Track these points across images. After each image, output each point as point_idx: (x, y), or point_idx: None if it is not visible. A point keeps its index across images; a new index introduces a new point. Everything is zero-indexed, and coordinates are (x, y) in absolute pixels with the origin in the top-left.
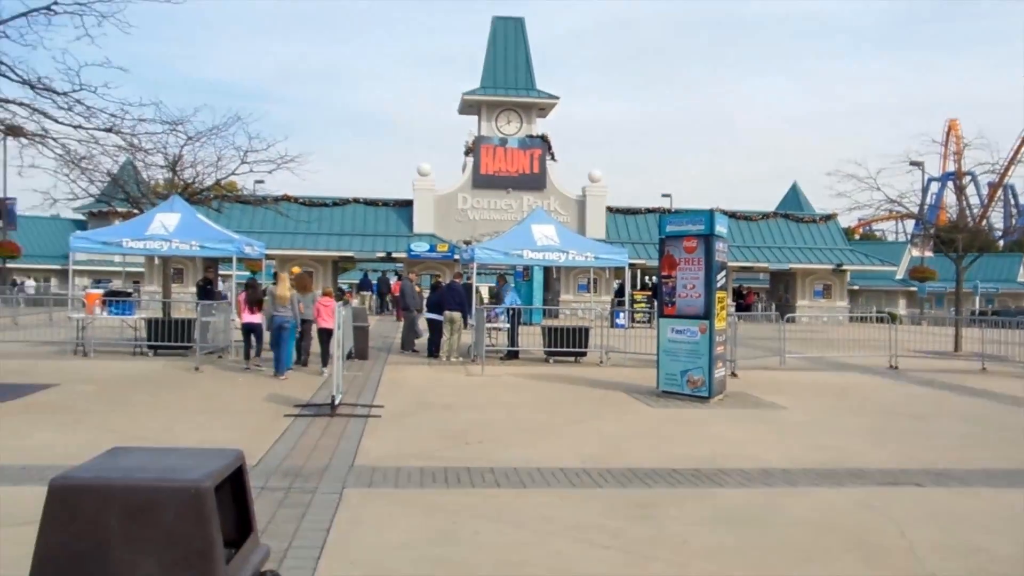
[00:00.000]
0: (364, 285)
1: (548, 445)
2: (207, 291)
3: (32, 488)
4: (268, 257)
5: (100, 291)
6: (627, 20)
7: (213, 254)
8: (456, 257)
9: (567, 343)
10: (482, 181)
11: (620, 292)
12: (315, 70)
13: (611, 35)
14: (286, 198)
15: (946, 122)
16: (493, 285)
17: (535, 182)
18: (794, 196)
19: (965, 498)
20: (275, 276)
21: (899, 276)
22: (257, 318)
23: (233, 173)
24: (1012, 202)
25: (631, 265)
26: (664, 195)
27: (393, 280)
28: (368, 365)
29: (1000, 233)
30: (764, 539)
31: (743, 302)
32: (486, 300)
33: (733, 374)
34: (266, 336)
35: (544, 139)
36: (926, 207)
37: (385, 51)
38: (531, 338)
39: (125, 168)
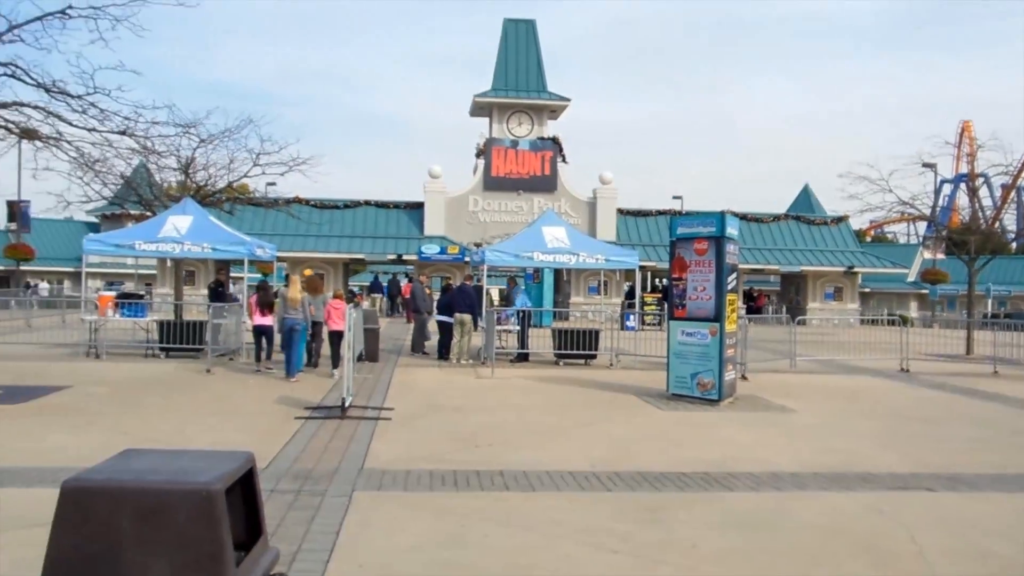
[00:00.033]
0: (375, 287)
1: (558, 448)
2: (219, 293)
3: (45, 490)
4: (279, 259)
5: (113, 293)
6: (633, 20)
7: (225, 256)
8: (467, 259)
9: (577, 345)
10: (493, 183)
11: (630, 294)
12: (327, 73)
13: (619, 36)
14: (298, 200)
15: (959, 123)
16: (503, 287)
17: (546, 184)
18: (805, 198)
19: (976, 503)
20: (287, 278)
21: (911, 279)
22: (268, 320)
23: (245, 176)
24: None
25: (641, 267)
26: (675, 197)
27: (404, 282)
28: (378, 367)
29: (1013, 235)
30: (773, 543)
31: (754, 304)
32: (496, 302)
33: (743, 377)
34: (277, 338)
35: (555, 141)
36: (938, 209)
37: (397, 54)
38: (541, 340)
39: (138, 171)
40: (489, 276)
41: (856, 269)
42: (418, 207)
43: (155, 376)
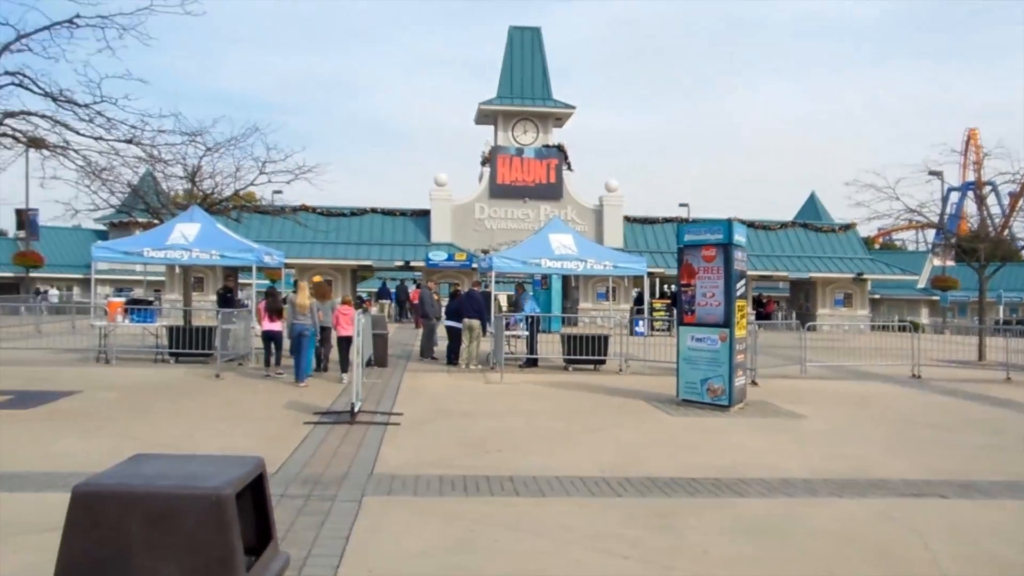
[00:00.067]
0: (383, 293)
1: (567, 453)
2: (227, 299)
3: (55, 495)
4: (287, 266)
5: (122, 299)
6: (636, 22)
7: (233, 263)
8: (474, 266)
9: (586, 351)
10: (499, 191)
11: (639, 300)
12: (332, 81)
13: (621, 40)
14: (304, 208)
15: (965, 131)
16: (512, 293)
17: (552, 192)
18: (812, 206)
19: (989, 510)
20: (295, 285)
21: (920, 285)
22: (277, 326)
23: (252, 184)
24: None
25: (649, 274)
26: (681, 204)
27: (411, 288)
28: (387, 373)
29: (1022, 243)
30: (784, 550)
31: (763, 311)
32: (505, 308)
33: (753, 382)
34: (286, 344)
35: (560, 149)
36: (946, 217)
37: (403, 62)
38: (550, 346)
39: (145, 179)
40: (497, 282)
41: (865, 276)
42: (424, 215)
43: (164, 381)
